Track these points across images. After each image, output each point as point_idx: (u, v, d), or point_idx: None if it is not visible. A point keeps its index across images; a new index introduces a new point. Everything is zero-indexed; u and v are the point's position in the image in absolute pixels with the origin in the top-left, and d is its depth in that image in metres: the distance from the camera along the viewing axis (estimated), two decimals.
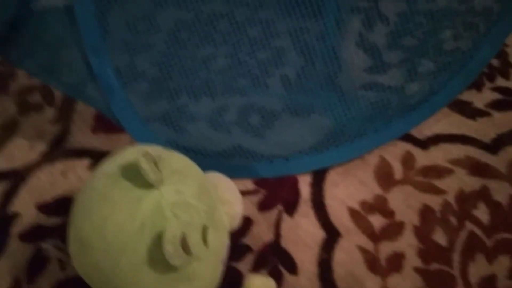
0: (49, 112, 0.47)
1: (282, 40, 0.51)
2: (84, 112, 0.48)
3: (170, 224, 0.28)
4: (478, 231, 0.41)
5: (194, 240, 0.28)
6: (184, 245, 0.27)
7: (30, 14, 0.41)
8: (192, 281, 0.30)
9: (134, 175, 0.28)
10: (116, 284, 0.29)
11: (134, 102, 0.43)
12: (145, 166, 0.27)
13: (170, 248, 0.26)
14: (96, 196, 0.29)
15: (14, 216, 0.40)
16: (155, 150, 0.31)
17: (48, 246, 0.37)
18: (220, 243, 0.32)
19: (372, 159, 0.45)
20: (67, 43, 0.40)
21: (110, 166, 0.31)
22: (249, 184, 0.43)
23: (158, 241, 0.27)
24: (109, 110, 0.40)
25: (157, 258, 0.27)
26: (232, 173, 0.38)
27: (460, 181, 0.44)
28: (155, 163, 0.28)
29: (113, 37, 0.46)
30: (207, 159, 0.44)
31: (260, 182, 0.44)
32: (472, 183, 0.44)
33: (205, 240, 0.29)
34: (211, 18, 0.50)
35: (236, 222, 0.36)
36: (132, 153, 0.31)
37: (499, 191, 0.43)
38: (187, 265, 0.28)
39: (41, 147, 0.45)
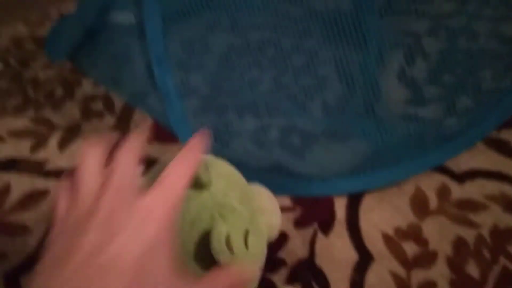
0: (109, 119, 0.52)
1: (325, 68, 0.53)
2: (140, 122, 0.51)
3: (218, 223, 0.30)
4: None
5: (237, 241, 0.30)
6: (228, 245, 0.29)
7: (103, 27, 0.46)
8: None
9: None
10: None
11: (187, 114, 0.47)
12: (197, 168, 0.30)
13: (217, 245, 0.29)
14: None
15: None
16: (204, 155, 0.34)
17: None
18: (259, 249, 0.34)
19: (408, 188, 0.46)
20: (133, 55, 0.44)
21: (163, 167, 0.34)
22: (286, 201, 0.45)
23: (205, 237, 0.30)
24: (166, 119, 0.44)
25: (203, 254, 0.30)
26: (271, 189, 0.40)
27: (495, 217, 0.44)
28: (206, 166, 0.31)
29: (170, 56, 0.51)
30: (249, 173, 0.46)
31: (297, 200, 0.46)
32: (507, 220, 0.44)
33: (246, 243, 0.31)
34: (259, 44, 0.53)
35: (274, 233, 0.38)
36: None
37: None
38: (230, 262, 0.30)
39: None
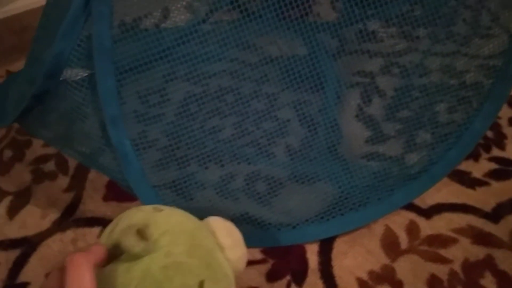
0: (63, 181, 0.49)
1: (286, 111, 0.54)
2: (96, 181, 0.49)
3: (167, 285, 0.28)
4: None
5: None
6: None
7: (54, 86, 0.44)
8: None
9: (122, 249, 0.29)
10: None
11: (146, 171, 0.45)
12: (126, 242, 0.28)
13: None
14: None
15: (24, 285, 0.40)
16: (148, 212, 0.32)
17: None
18: None
19: (378, 228, 0.46)
20: (85, 114, 0.42)
21: (104, 238, 0.32)
22: (256, 254, 0.44)
23: None
24: (123, 178, 0.42)
25: None
26: None
27: (465, 250, 0.44)
28: (141, 231, 0.29)
29: (127, 109, 0.49)
30: None
31: (268, 251, 0.44)
32: (476, 252, 0.44)
33: None
34: (218, 92, 0.53)
35: (241, 265, 0.35)
36: (118, 229, 0.31)
37: (504, 260, 0.44)
38: None
39: (53, 215, 0.46)
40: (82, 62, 0.39)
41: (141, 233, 0.29)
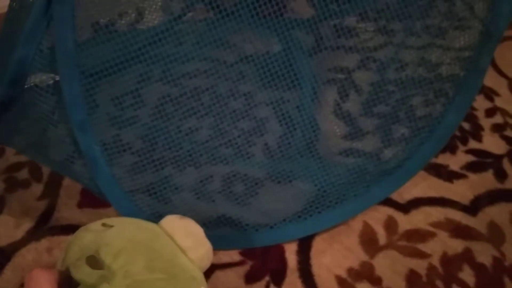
0: (37, 188, 0.48)
1: (263, 110, 0.53)
2: (71, 187, 0.48)
3: None
4: None
5: None
6: None
7: (19, 92, 0.43)
8: None
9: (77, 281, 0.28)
10: None
11: (120, 175, 0.44)
12: (79, 275, 0.27)
13: None
14: None
15: None
16: (97, 232, 0.31)
17: None
18: None
19: (356, 225, 0.46)
20: (54, 120, 0.41)
21: (58, 266, 0.30)
22: (235, 255, 0.43)
23: None
24: (95, 185, 0.41)
25: None
26: (218, 245, 0.38)
27: (443, 244, 0.45)
28: (92, 258, 0.28)
29: (100, 112, 0.48)
30: None
31: (246, 253, 0.44)
32: (455, 245, 0.45)
33: None
34: (194, 92, 0.52)
35: (206, 262, 0.35)
36: (69, 262, 0.30)
37: (482, 253, 0.44)
38: None
39: (27, 224, 0.45)
40: (46, 67, 0.38)
41: (93, 261, 0.28)
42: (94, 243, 0.29)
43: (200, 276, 0.33)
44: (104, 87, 0.48)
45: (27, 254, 0.42)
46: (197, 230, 0.36)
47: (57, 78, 0.40)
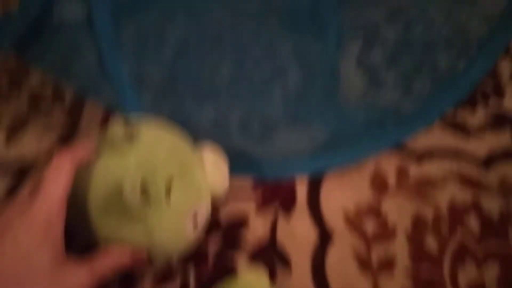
0: (59, 111, 0.50)
1: (284, 57, 0.54)
2: (92, 111, 0.50)
3: (131, 170, 0.29)
4: (468, 240, 0.42)
5: (155, 186, 0.29)
6: (144, 191, 0.28)
7: (49, 21, 0.44)
8: (151, 233, 0.30)
9: (109, 143, 0.31)
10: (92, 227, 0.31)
11: (143, 105, 0.45)
12: (113, 133, 0.30)
13: (129, 191, 0.28)
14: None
15: None
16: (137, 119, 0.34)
17: None
18: (186, 201, 0.32)
19: (368, 168, 0.47)
20: (84, 48, 0.43)
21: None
22: (247, 183, 0.45)
23: (118, 188, 0.29)
24: (120, 109, 0.42)
25: (117, 205, 0.29)
26: (232, 170, 0.39)
27: (452, 193, 0.45)
28: (126, 127, 0.30)
29: (126, 47, 0.49)
30: None
31: (259, 183, 0.45)
32: (464, 195, 0.45)
33: (168, 191, 0.30)
34: (218, 32, 0.53)
35: (218, 192, 0.37)
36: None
37: (491, 204, 0.44)
38: (146, 212, 0.29)
39: (49, 143, 0.47)
40: None
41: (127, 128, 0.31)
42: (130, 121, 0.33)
43: (205, 196, 0.35)
44: (130, 21, 0.49)
45: None
46: (224, 164, 0.38)
47: (87, 8, 0.41)
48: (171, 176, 0.31)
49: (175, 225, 0.32)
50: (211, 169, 0.37)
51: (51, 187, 0.27)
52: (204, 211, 0.35)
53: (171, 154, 0.32)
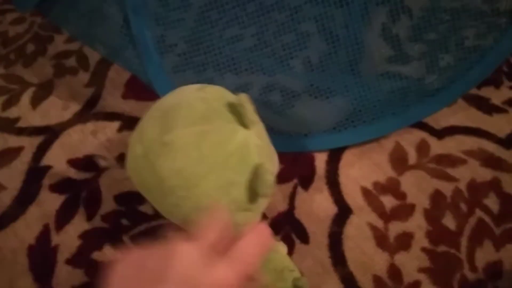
0: (83, 76, 0.50)
1: (308, 25, 0.52)
2: (116, 79, 0.50)
3: (258, 160, 0.31)
4: (487, 219, 0.42)
5: (271, 179, 0.31)
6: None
7: None
8: (250, 211, 0.32)
9: (231, 112, 0.32)
10: (192, 190, 0.30)
11: (166, 70, 0.45)
12: (247, 107, 0.31)
13: (270, 178, 0.30)
14: (195, 114, 0.31)
15: (47, 168, 0.43)
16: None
17: (98, 156, 0.42)
18: (272, 187, 0.34)
19: (388, 144, 0.46)
20: (109, 10, 0.42)
21: (200, 93, 0.34)
22: None
23: (243, 169, 0.30)
24: (144, 73, 0.42)
25: (239, 183, 0.30)
26: None
27: (473, 171, 0.45)
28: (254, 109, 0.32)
29: (147, 10, 0.49)
30: None
31: (278, 156, 0.45)
32: (484, 174, 0.45)
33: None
34: (240, 0, 0.52)
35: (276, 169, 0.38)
36: (219, 90, 0.35)
37: (510, 184, 0.44)
38: (264, 197, 0.31)
39: (74, 107, 0.47)
40: None
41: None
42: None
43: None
44: None
45: (74, 134, 0.45)
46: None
47: None
48: (272, 171, 0.33)
49: (262, 209, 0.35)
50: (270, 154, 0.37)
51: (248, 259, 0.25)
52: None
53: (269, 143, 0.35)
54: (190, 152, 0.30)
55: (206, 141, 0.30)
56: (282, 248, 0.38)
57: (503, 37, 0.47)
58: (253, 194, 0.30)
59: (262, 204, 0.33)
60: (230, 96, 0.33)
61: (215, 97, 0.33)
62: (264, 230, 0.26)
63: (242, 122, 0.31)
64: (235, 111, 0.31)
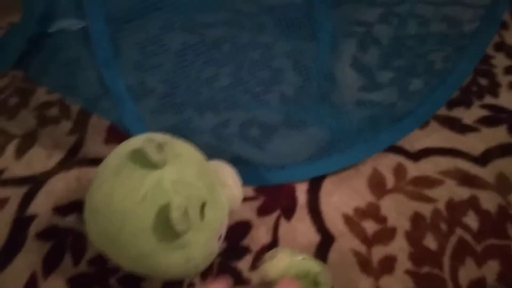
0: (66, 125, 0.51)
1: (281, 61, 0.55)
2: (97, 125, 0.51)
3: (175, 196, 0.31)
4: (467, 237, 0.43)
5: (193, 212, 0.31)
6: (185, 216, 0.30)
7: (49, 35, 0.46)
8: (187, 248, 0.32)
9: (141, 158, 0.32)
10: (119, 247, 0.32)
11: (144, 116, 0.47)
12: (148, 149, 0.31)
13: (177, 215, 0.29)
14: (108, 172, 0.33)
15: (32, 217, 0.43)
16: (162, 137, 0.35)
17: (70, 219, 0.42)
18: (216, 219, 0.35)
19: (366, 170, 0.48)
20: (83, 61, 0.44)
21: (122, 148, 0.35)
22: (249, 191, 0.46)
23: (158, 211, 0.31)
24: (120, 121, 0.44)
25: (157, 226, 0.31)
26: None
27: (450, 191, 0.46)
28: (159, 146, 0.32)
29: (126, 58, 0.51)
30: None
31: (260, 189, 0.46)
32: (461, 193, 0.46)
33: (202, 214, 0.32)
34: (214, 41, 0.54)
35: (236, 204, 0.38)
36: (142, 138, 0.34)
37: (488, 200, 0.45)
38: (184, 233, 0.31)
39: (58, 156, 0.48)
40: (72, 11, 0.41)
41: (160, 147, 0.32)
42: (163, 139, 0.35)
43: (226, 211, 0.37)
44: (128, 33, 0.50)
45: (58, 182, 0.46)
46: (236, 178, 0.39)
47: (84, 23, 0.42)
48: (204, 203, 0.33)
49: (208, 243, 0.34)
50: (232, 183, 0.38)
51: None
52: (225, 224, 0.37)
53: (199, 174, 0.34)
54: (103, 212, 0.32)
55: (115, 196, 0.31)
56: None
57: (463, 58, 0.49)
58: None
59: (199, 237, 0.33)
60: (138, 143, 0.34)
61: (127, 148, 0.34)
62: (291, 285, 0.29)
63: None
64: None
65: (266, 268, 0.34)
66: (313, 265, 0.34)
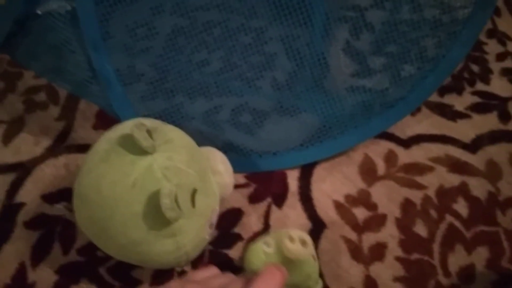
0: (54, 110, 0.50)
1: (273, 46, 0.54)
2: (86, 111, 0.50)
3: (165, 183, 0.31)
4: (457, 224, 0.43)
5: (183, 199, 0.31)
6: (176, 202, 0.30)
7: (36, 16, 0.44)
8: (177, 236, 0.32)
9: (130, 143, 0.31)
10: (109, 235, 0.32)
11: (134, 101, 0.46)
12: (138, 135, 0.30)
13: (168, 201, 0.29)
14: (97, 158, 0.33)
15: (20, 205, 0.43)
16: (153, 122, 0.35)
17: (59, 206, 0.41)
18: (207, 206, 0.35)
19: (357, 156, 0.48)
20: (71, 44, 0.43)
21: (111, 134, 0.34)
22: (240, 178, 0.46)
23: (149, 197, 0.30)
24: (109, 106, 0.43)
25: (147, 213, 0.30)
26: None
27: (440, 178, 0.46)
28: (149, 132, 0.31)
29: (115, 41, 0.50)
30: None
31: (251, 177, 0.46)
32: (451, 179, 0.46)
33: (193, 201, 0.32)
34: (206, 25, 0.53)
35: (227, 191, 0.38)
36: (132, 124, 0.34)
37: (478, 187, 0.46)
38: (179, 224, 0.31)
39: (46, 142, 0.47)
40: None
41: (150, 133, 0.31)
42: (153, 124, 0.34)
43: (218, 198, 0.36)
44: (117, 15, 0.49)
45: (46, 168, 0.45)
46: (229, 163, 0.39)
47: (73, 4, 0.41)
48: (194, 189, 0.32)
49: (199, 230, 0.34)
50: (223, 170, 0.38)
51: None
52: (217, 212, 0.36)
53: (190, 161, 0.34)
54: (93, 198, 0.31)
55: (104, 182, 0.31)
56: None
57: (454, 44, 0.49)
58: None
59: (190, 225, 0.33)
60: (128, 128, 0.33)
61: (116, 133, 0.33)
62: (276, 273, 0.29)
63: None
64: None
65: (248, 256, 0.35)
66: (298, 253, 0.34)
